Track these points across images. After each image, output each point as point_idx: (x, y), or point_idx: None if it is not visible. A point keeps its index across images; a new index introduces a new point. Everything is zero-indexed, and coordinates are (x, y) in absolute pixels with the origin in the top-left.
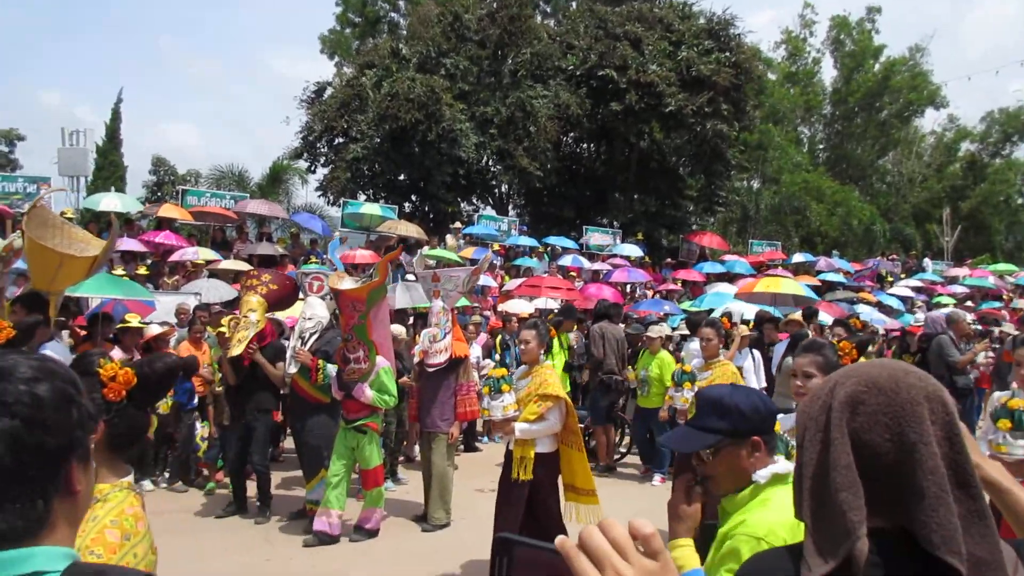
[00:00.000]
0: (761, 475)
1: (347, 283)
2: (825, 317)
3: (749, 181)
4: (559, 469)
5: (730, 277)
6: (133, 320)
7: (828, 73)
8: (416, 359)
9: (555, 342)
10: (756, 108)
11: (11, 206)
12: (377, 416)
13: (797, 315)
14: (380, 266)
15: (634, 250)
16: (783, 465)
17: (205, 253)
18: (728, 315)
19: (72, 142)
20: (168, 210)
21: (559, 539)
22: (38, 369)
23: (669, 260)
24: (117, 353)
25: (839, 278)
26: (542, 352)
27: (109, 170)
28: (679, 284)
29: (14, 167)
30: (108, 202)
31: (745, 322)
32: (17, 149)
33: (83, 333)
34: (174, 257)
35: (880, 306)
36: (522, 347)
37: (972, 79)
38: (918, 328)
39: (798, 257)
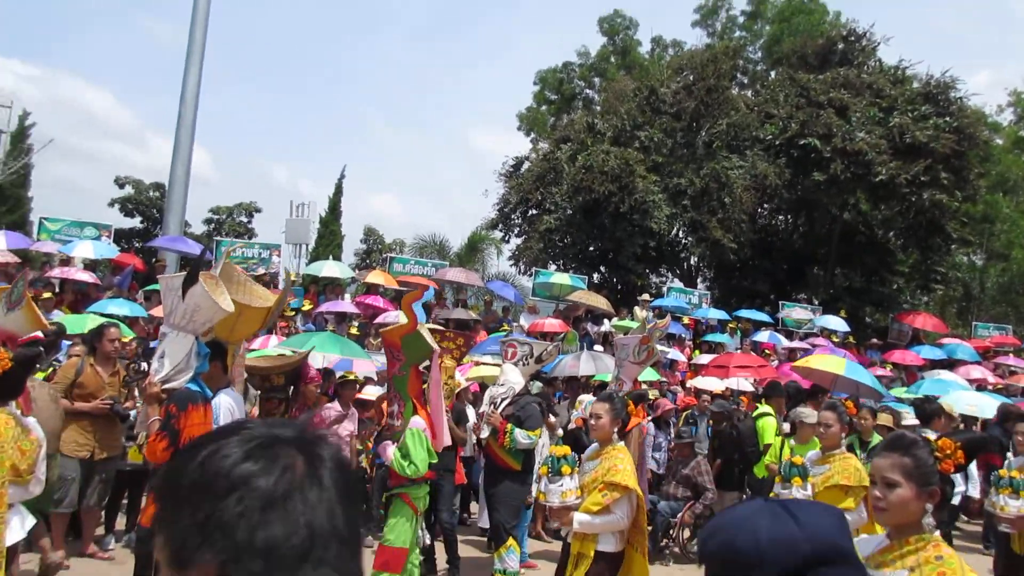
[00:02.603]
0: None
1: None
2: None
3: (972, 257)
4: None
5: (950, 364)
6: (349, 376)
7: None
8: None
9: (768, 425)
10: (981, 176)
11: (248, 269)
12: (415, 487)
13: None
14: (404, 308)
15: (839, 324)
16: None
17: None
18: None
19: (298, 214)
20: (376, 276)
21: None
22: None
23: (875, 340)
24: (336, 405)
25: None
26: (615, 431)
27: (329, 238)
28: (888, 368)
29: (251, 235)
30: (328, 269)
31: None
32: (254, 220)
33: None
34: (379, 319)
35: None
36: (592, 422)
37: None
38: None
39: None
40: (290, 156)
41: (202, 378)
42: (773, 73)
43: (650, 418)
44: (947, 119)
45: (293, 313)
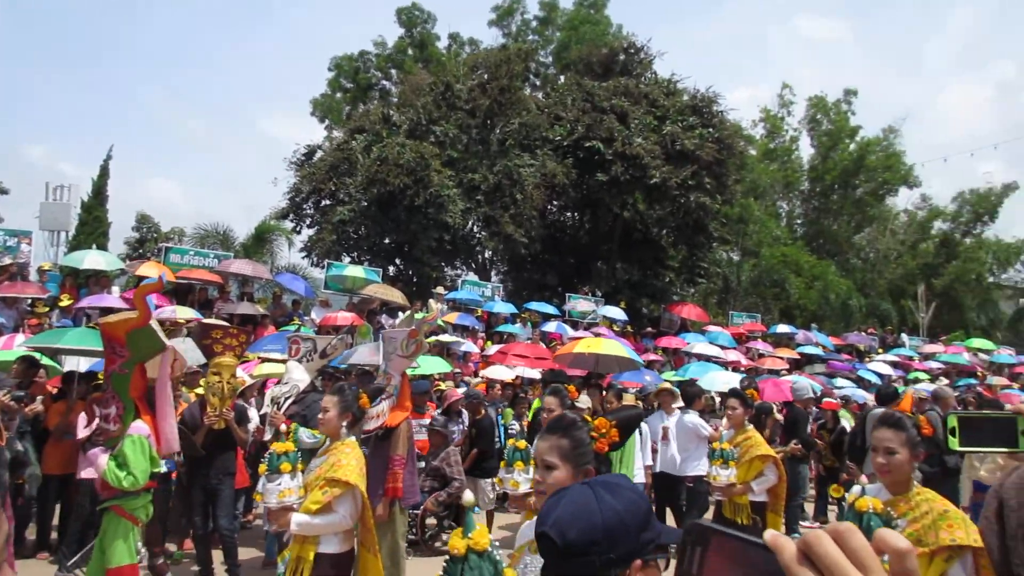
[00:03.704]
0: None
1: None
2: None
3: (730, 253)
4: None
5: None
6: None
7: (806, 151)
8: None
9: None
10: (737, 182)
11: None
12: (132, 498)
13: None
14: (136, 300)
15: (619, 313)
16: None
17: (184, 312)
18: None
19: (56, 197)
20: (149, 268)
21: (771, 534)
22: None
23: (650, 329)
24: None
25: (818, 352)
26: (344, 424)
27: (92, 226)
28: (659, 353)
29: None
30: (91, 260)
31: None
32: None
33: (55, 391)
34: (155, 314)
35: (860, 381)
36: (320, 416)
37: (940, 161)
38: (835, 405)
39: (783, 328)
40: (48, 134)
41: None
42: (562, 77)
43: (440, 409)
44: (710, 130)
45: (47, 309)
